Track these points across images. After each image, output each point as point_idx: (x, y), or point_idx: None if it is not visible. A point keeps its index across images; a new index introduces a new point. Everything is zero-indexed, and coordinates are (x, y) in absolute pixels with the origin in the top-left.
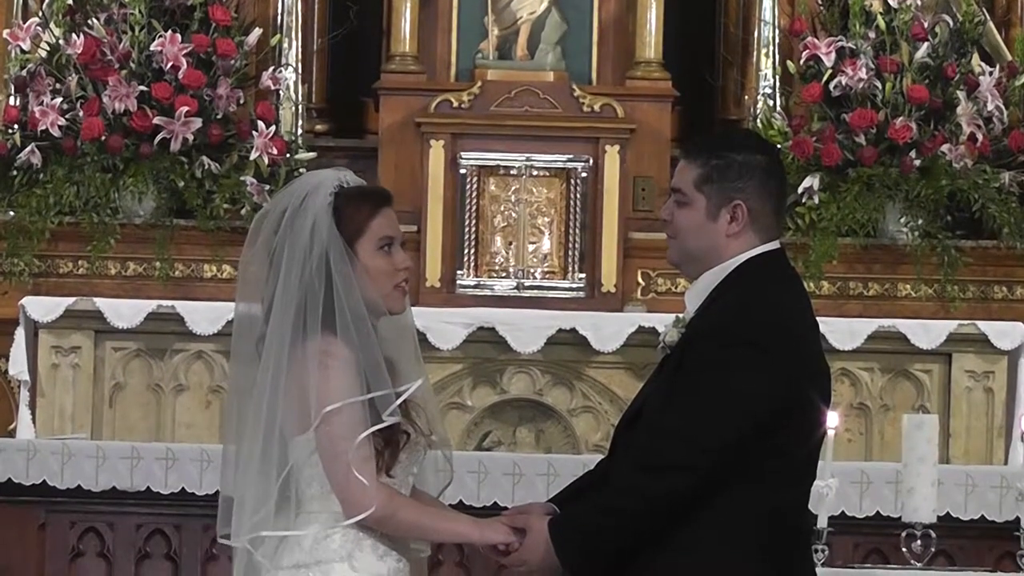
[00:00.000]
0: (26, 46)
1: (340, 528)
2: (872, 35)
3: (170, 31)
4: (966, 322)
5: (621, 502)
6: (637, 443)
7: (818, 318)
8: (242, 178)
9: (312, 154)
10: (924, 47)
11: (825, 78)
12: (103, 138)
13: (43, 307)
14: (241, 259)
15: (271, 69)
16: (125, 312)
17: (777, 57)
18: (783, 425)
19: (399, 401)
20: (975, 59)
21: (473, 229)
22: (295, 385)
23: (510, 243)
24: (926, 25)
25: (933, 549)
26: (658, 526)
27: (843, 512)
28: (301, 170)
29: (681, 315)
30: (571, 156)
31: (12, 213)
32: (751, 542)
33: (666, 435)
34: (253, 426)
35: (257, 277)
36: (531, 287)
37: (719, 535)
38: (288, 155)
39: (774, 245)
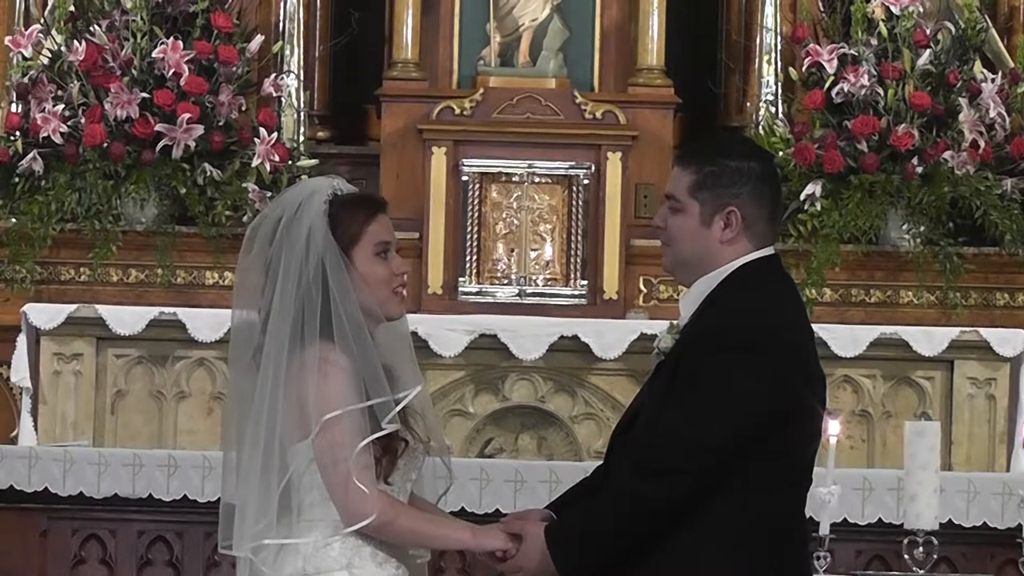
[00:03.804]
0: (28, 53)
1: (339, 536)
2: (874, 42)
3: (172, 38)
4: (968, 329)
5: (618, 507)
6: (634, 448)
7: (820, 325)
8: (244, 185)
9: (314, 161)
10: (926, 54)
11: (827, 85)
12: (105, 145)
13: (45, 314)
14: (237, 268)
15: (273, 76)
16: (127, 319)
17: (779, 64)
18: (779, 429)
19: (398, 408)
20: (977, 66)
21: (475, 236)
22: (294, 393)
23: (512, 250)
24: (928, 32)
25: (935, 556)
26: (655, 530)
27: (845, 519)
28: (303, 177)
29: (675, 321)
30: (573, 163)
31: (14, 220)
32: (748, 546)
33: (662, 439)
34: (253, 435)
35: (254, 285)
36: (533, 294)
37: (716, 539)
38: (290, 162)
39: (769, 251)
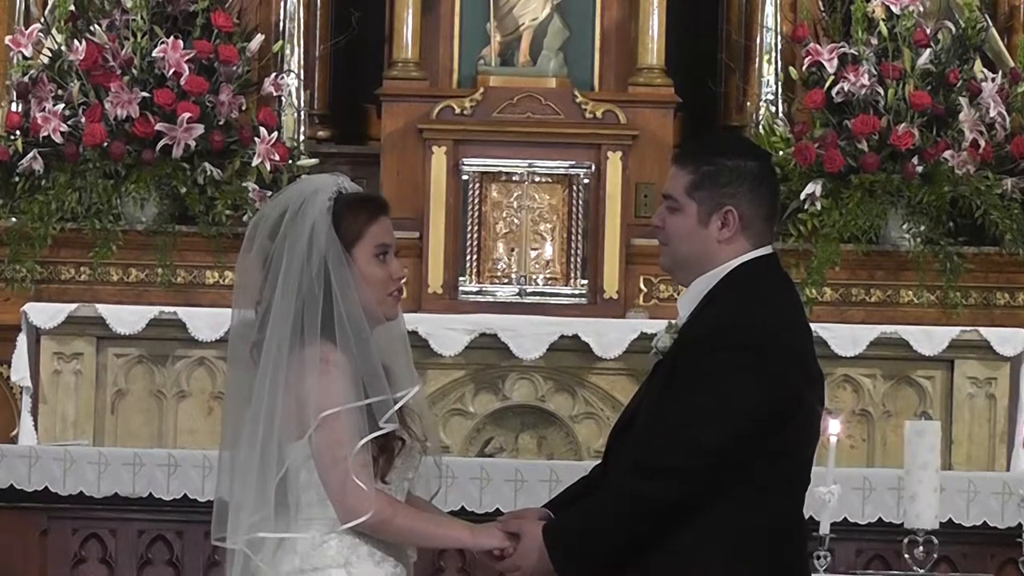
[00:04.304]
0: (28, 52)
1: (336, 534)
2: (874, 41)
3: (172, 37)
4: (968, 328)
5: (616, 506)
6: (633, 447)
7: (820, 325)
8: (244, 184)
9: (314, 160)
10: (926, 53)
11: (827, 84)
12: (105, 144)
13: (45, 313)
14: (238, 264)
15: (273, 75)
16: (127, 318)
17: (779, 63)
18: (779, 428)
19: (397, 407)
20: (977, 65)
21: (475, 235)
22: (293, 392)
23: (512, 249)
24: (928, 31)
25: (935, 555)
26: (654, 530)
27: (845, 518)
28: (303, 176)
29: (674, 321)
30: (573, 162)
31: (14, 219)
32: (748, 545)
33: (661, 439)
34: (251, 432)
35: (254, 283)
36: (533, 293)
37: (716, 538)
38: (290, 161)
39: (766, 250)
